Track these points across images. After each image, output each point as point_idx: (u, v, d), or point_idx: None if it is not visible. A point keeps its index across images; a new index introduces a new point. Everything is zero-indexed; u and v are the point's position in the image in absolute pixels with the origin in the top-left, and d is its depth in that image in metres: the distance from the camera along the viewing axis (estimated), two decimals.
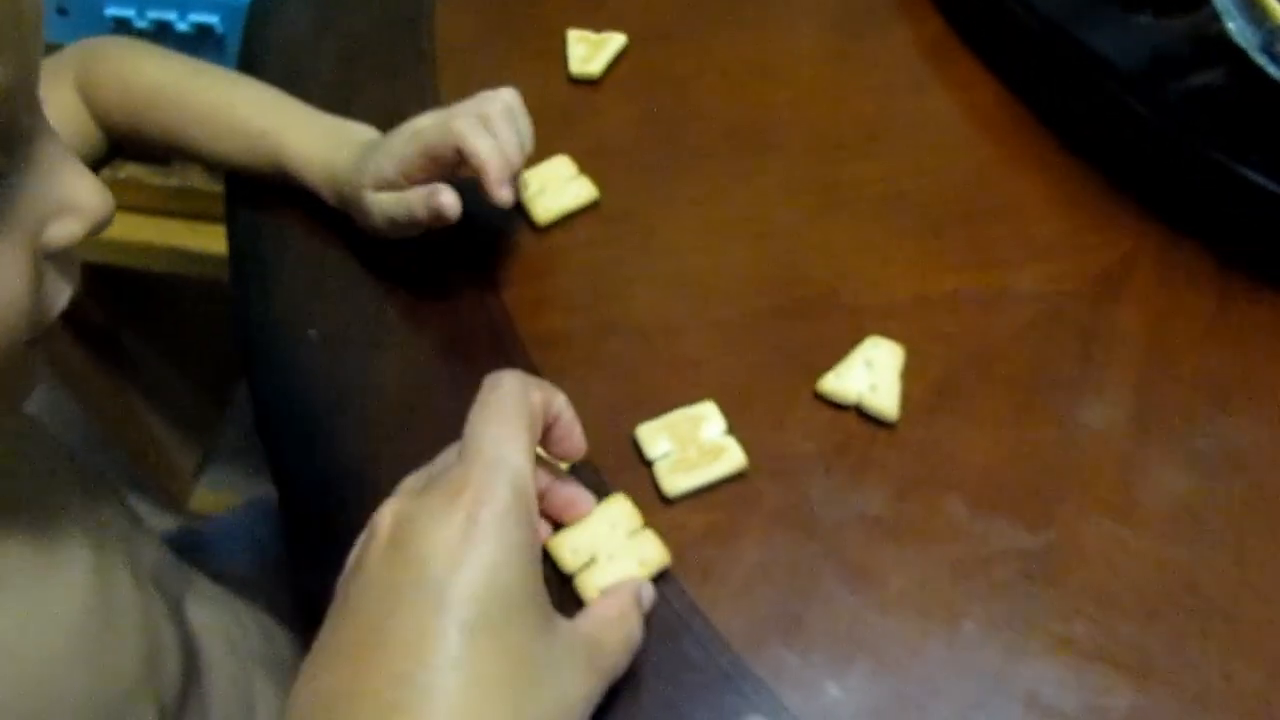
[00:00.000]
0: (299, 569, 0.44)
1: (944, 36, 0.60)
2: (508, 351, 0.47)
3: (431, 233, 0.51)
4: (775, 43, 0.60)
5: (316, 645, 0.33)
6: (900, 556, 0.40)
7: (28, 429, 0.49)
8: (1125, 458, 0.43)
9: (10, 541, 0.43)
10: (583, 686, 0.33)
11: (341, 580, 0.35)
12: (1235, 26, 0.47)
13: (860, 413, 0.44)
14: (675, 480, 0.42)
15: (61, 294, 0.38)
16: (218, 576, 0.63)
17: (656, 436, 0.43)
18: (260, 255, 0.52)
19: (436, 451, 0.44)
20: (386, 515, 0.34)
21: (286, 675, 0.60)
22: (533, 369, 0.46)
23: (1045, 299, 0.48)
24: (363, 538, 0.35)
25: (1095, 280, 0.49)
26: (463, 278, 0.49)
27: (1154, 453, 0.43)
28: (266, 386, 0.48)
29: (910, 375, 0.45)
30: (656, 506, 0.42)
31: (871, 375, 0.44)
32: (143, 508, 1.33)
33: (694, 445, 0.43)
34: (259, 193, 0.54)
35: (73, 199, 0.36)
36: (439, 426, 0.44)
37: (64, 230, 0.36)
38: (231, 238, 0.53)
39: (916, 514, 0.41)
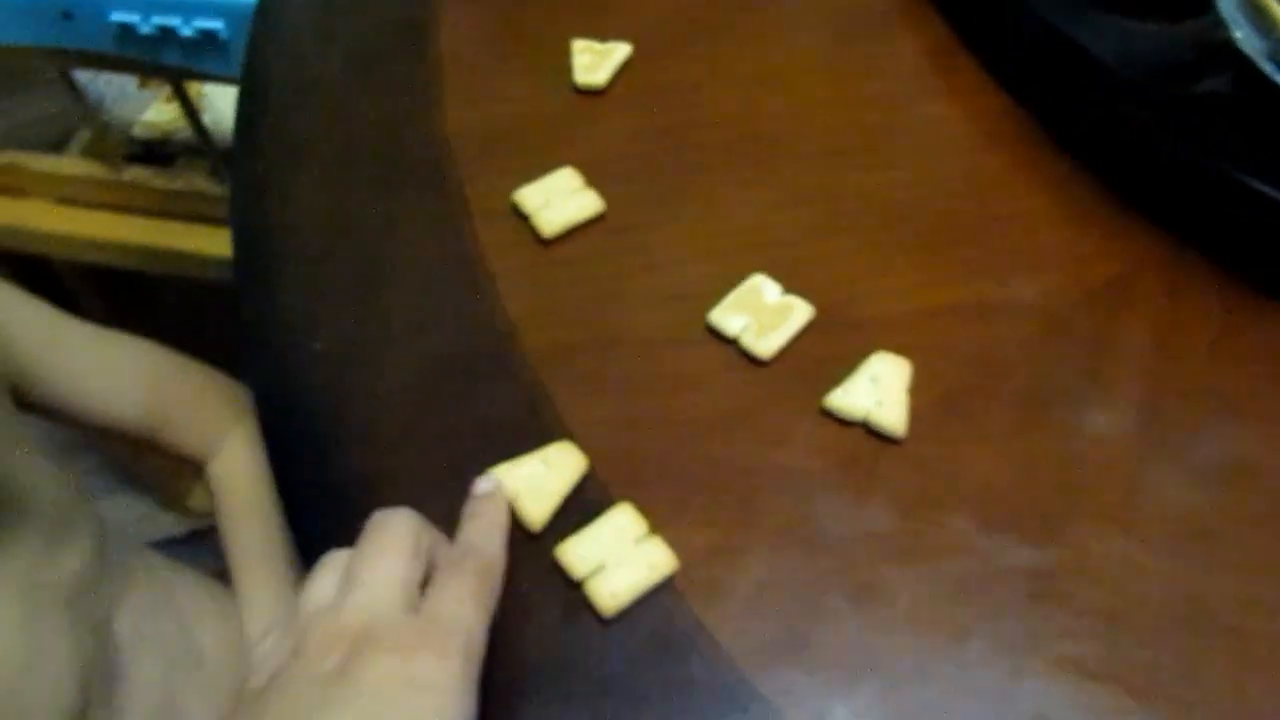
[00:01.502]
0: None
1: (948, 44, 0.60)
2: (511, 366, 0.47)
3: (435, 246, 0.51)
4: (779, 52, 0.60)
5: None
6: (907, 574, 0.40)
7: None
8: (1132, 472, 0.43)
9: None
10: None
11: (268, 684, 0.35)
12: (1242, 35, 0.47)
13: (867, 428, 0.44)
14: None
15: None
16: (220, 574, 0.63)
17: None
18: (264, 268, 0.51)
19: (439, 464, 0.44)
20: (333, 638, 0.34)
21: None
22: (536, 383, 0.46)
23: (1050, 311, 0.48)
24: (286, 648, 0.35)
25: (1100, 291, 0.49)
26: (467, 290, 0.49)
27: (1161, 467, 0.43)
28: (271, 398, 0.48)
29: (916, 389, 0.45)
30: (660, 524, 0.42)
31: (877, 391, 0.44)
32: (142, 506, 1.34)
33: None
34: (262, 204, 0.54)
35: None
36: (442, 440, 0.45)
37: None
38: (236, 249, 0.53)
39: (923, 531, 0.41)
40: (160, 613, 0.57)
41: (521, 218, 0.52)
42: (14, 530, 0.46)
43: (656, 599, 0.40)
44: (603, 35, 0.59)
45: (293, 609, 0.37)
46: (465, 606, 0.36)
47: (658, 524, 0.41)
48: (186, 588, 0.60)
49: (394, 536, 0.37)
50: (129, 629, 0.52)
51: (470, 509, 0.41)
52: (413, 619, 0.35)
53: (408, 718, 0.32)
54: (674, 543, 0.41)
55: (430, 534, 0.38)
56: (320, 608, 0.36)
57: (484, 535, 0.39)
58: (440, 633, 0.34)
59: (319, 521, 0.45)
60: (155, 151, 1.04)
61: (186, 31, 0.78)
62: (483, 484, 0.42)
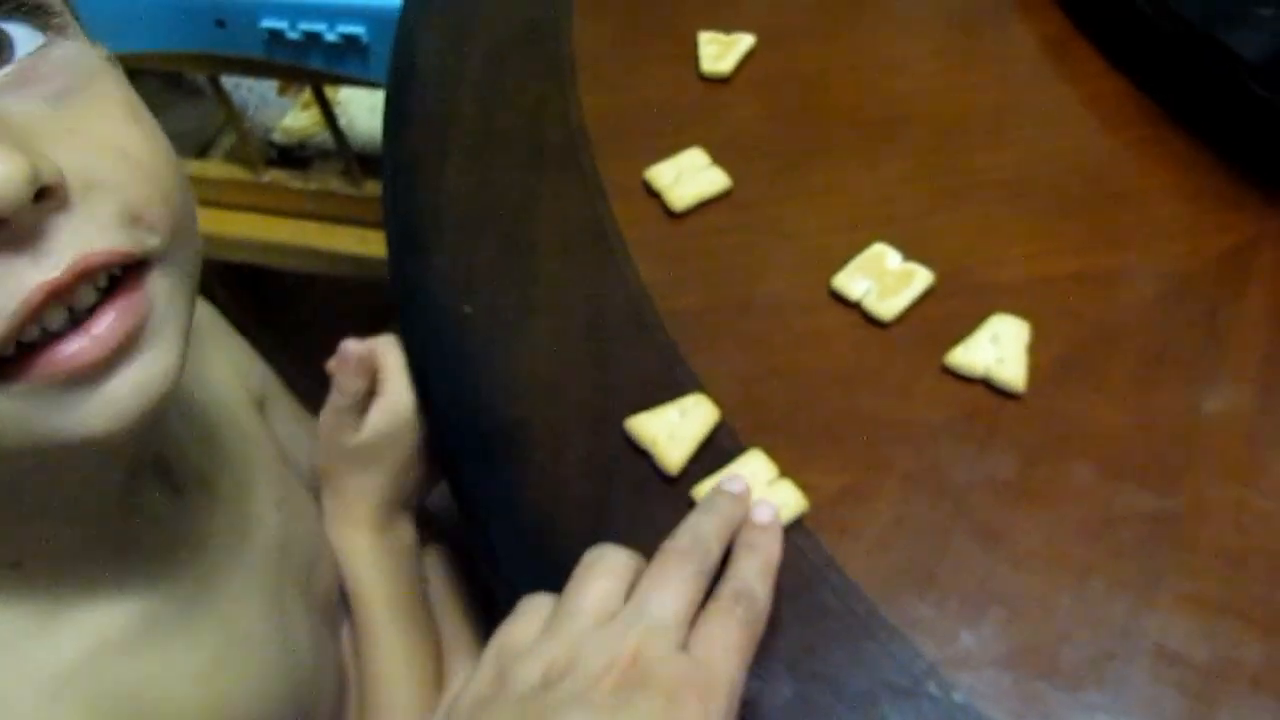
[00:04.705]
0: (466, 524, 0.48)
1: (1066, 32, 0.62)
2: (645, 327, 0.50)
3: (573, 220, 0.55)
4: (897, 42, 0.63)
5: None
6: (1029, 517, 0.42)
7: (226, 429, 0.50)
8: (1252, 429, 0.44)
9: (203, 548, 0.44)
10: None
11: (541, 686, 0.35)
12: None
13: (987, 385, 0.46)
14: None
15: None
16: None
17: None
18: (418, 240, 0.56)
19: (578, 416, 0.47)
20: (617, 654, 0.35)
21: None
22: (669, 343, 0.49)
23: (1169, 278, 0.49)
24: (555, 649, 0.36)
25: (1220, 261, 0.50)
26: (603, 259, 0.53)
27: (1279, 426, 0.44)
28: (426, 355, 0.52)
29: (1036, 349, 0.47)
30: (789, 470, 0.44)
31: (998, 349, 0.46)
32: None
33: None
34: (414, 184, 0.58)
35: None
36: (582, 393, 0.48)
37: None
38: (390, 224, 0.57)
39: (1044, 478, 0.43)
40: None
41: (653, 194, 0.55)
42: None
43: (789, 536, 0.42)
44: (728, 27, 0.63)
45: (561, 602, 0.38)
46: (733, 659, 0.36)
47: (787, 470, 0.44)
48: None
49: (684, 564, 0.38)
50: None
51: (748, 538, 0.40)
52: (685, 660, 0.35)
53: None
54: (803, 486, 0.43)
55: (712, 557, 0.39)
56: (599, 617, 0.37)
57: (759, 577, 0.39)
58: (709, 682, 0.34)
59: (467, 465, 0.48)
60: (292, 155, 1.10)
61: (331, 37, 0.83)
62: (764, 513, 0.41)
